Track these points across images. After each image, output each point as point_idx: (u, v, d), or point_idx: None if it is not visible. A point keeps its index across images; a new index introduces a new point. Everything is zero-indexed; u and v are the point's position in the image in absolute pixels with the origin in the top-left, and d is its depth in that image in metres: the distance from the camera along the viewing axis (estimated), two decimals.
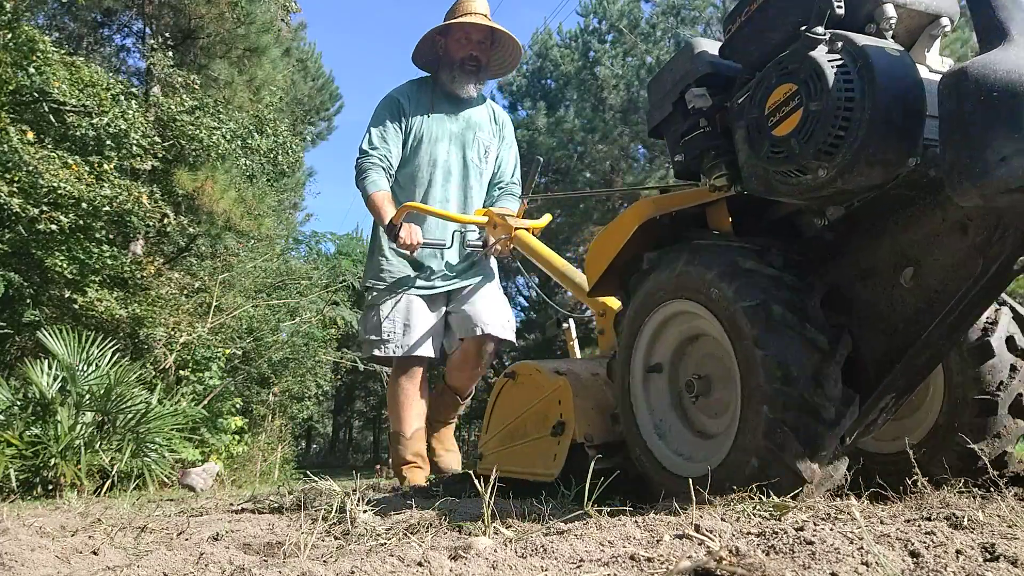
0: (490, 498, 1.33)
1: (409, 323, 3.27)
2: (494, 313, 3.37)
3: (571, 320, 3.17)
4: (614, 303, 2.47)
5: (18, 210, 7.48)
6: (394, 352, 3.25)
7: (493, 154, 3.57)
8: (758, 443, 1.53)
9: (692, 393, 1.87)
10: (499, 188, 3.61)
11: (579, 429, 2.04)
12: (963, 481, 1.64)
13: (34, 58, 7.72)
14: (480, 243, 3.36)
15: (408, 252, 3.19)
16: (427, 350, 3.30)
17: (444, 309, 3.43)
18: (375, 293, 3.35)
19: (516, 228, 3.02)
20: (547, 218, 3.32)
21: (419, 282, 3.36)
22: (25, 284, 8.47)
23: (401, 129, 3.39)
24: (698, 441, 1.87)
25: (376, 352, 3.28)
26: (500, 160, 3.62)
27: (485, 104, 3.61)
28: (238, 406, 9.77)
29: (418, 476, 3.25)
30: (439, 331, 3.39)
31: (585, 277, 2.63)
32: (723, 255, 1.72)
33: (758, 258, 1.69)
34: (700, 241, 1.86)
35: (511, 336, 3.38)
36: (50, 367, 5.62)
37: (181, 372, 8.63)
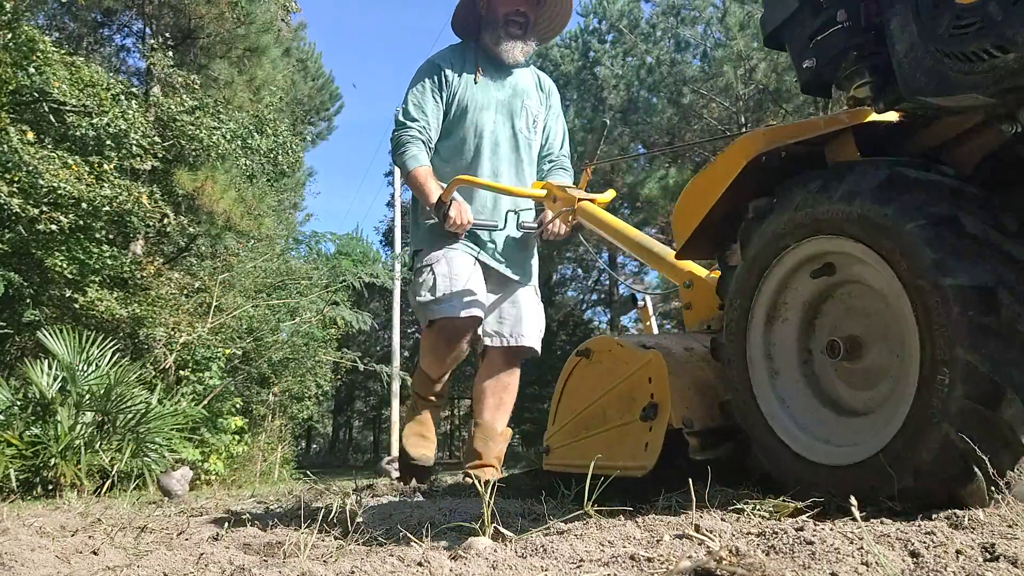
0: (490, 498, 1.34)
1: (464, 279, 2.95)
2: (533, 321, 3.16)
3: (646, 297, 2.91)
4: (700, 271, 2.19)
5: (18, 210, 7.48)
6: (451, 312, 2.90)
7: (541, 124, 3.28)
8: (952, 414, 1.18)
9: (836, 358, 1.51)
10: (549, 161, 3.33)
11: (676, 412, 1.71)
12: None
13: (34, 58, 7.72)
14: (536, 225, 3.08)
15: (458, 233, 2.92)
16: (480, 311, 2.98)
17: (489, 285, 3.14)
18: (428, 254, 3.03)
19: (580, 199, 2.74)
20: (611, 193, 2.98)
21: (473, 246, 3.07)
22: (25, 284, 8.47)
23: (442, 98, 3.09)
24: (841, 421, 1.54)
25: (432, 316, 2.95)
26: (548, 130, 3.32)
27: (530, 70, 3.32)
28: (238, 406, 9.77)
29: (428, 427, 3.19)
30: (485, 303, 3.06)
31: (664, 248, 2.39)
32: (878, 170, 1.38)
33: (928, 169, 1.36)
34: (841, 161, 1.54)
35: (539, 346, 3.19)
36: (50, 367, 5.62)
37: (181, 372, 8.63)
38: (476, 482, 1.59)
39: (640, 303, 2.89)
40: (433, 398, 3.23)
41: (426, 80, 3.10)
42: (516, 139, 3.17)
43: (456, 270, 2.95)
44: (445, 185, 2.92)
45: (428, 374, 3.17)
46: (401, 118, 3.07)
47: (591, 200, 2.76)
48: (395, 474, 3.71)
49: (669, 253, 2.31)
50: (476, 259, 3.05)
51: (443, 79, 3.10)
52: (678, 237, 1.93)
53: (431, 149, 3.10)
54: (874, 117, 1.55)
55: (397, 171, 20.49)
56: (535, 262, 3.31)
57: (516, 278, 3.16)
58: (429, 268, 2.96)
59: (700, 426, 1.70)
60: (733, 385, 1.69)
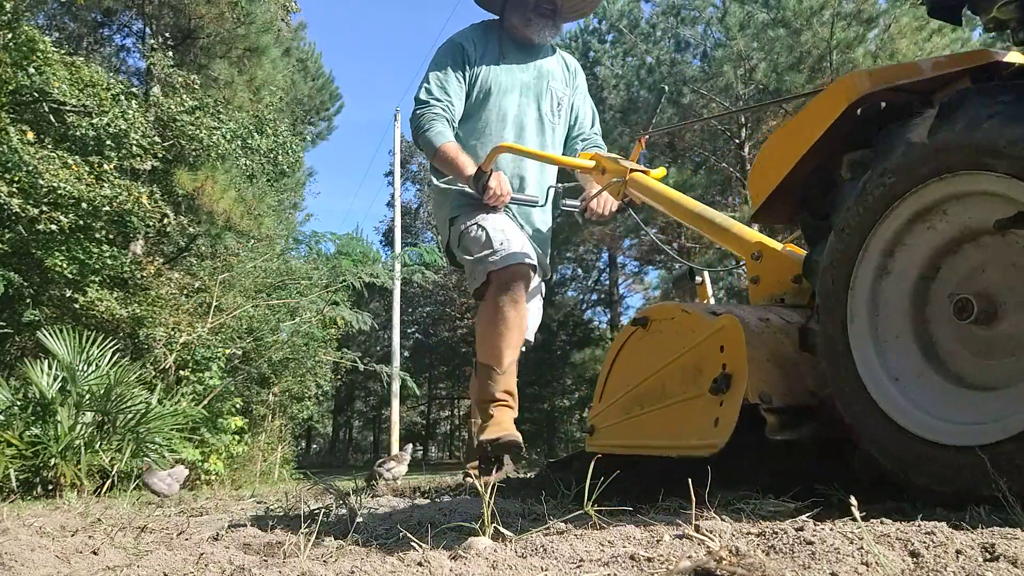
0: (490, 498, 1.34)
1: (514, 231, 2.79)
2: (537, 316, 3.06)
3: (705, 273, 2.62)
4: (771, 242, 2.04)
5: (18, 210, 7.49)
6: (513, 260, 2.69)
7: (566, 106, 3.15)
8: None
9: (967, 319, 1.30)
10: (582, 140, 3.19)
11: (752, 385, 1.50)
12: None
13: (34, 58, 7.73)
14: (578, 203, 2.90)
15: (498, 206, 2.73)
16: (533, 258, 2.78)
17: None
18: (466, 215, 2.84)
19: (632, 170, 2.55)
20: (662, 171, 2.78)
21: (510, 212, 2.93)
22: (25, 284, 8.47)
23: (464, 79, 2.94)
24: (967, 396, 1.34)
25: (493, 267, 2.70)
26: (577, 111, 3.20)
27: (555, 51, 3.19)
28: (238, 406, 9.77)
29: (506, 416, 2.79)
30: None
31: (727, 219, 2.26)
32: None
33: None
34: (986, 84, 1.33)
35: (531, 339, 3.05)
36: (50, 367, 5.62)
37: (181, 372, 8.63)
38: (476, 482, 1.57)
39: (698, 280, 2.57)
40: (505, 396, 2.80)
41: (448, 59, 2.94)
42: (542, 122, 3.04)
43: (503, 223, 2.79)
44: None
45: (492, 359, 2.78)
46: (423, 97, 2.89)
47: (643, 171, 2.56)
48: (388, 476, 3.60)
49: (733, 223, 2.16)
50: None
51: (466, 59, 2.96)
52: (754, 198, 1.77)
53: (454, 130, 2.92)
54: (1005, 57, 1.38)
55: (397, 171, 20.47)
56: (549, 255, 3.19)
57: (540, 282, 3.06)
58: (476, 224, 2.77)
59: (779, 403, 1.49)
60: (832, 371, 1.47)
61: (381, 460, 3.84)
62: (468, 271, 2.87)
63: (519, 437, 2.69)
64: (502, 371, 2.77)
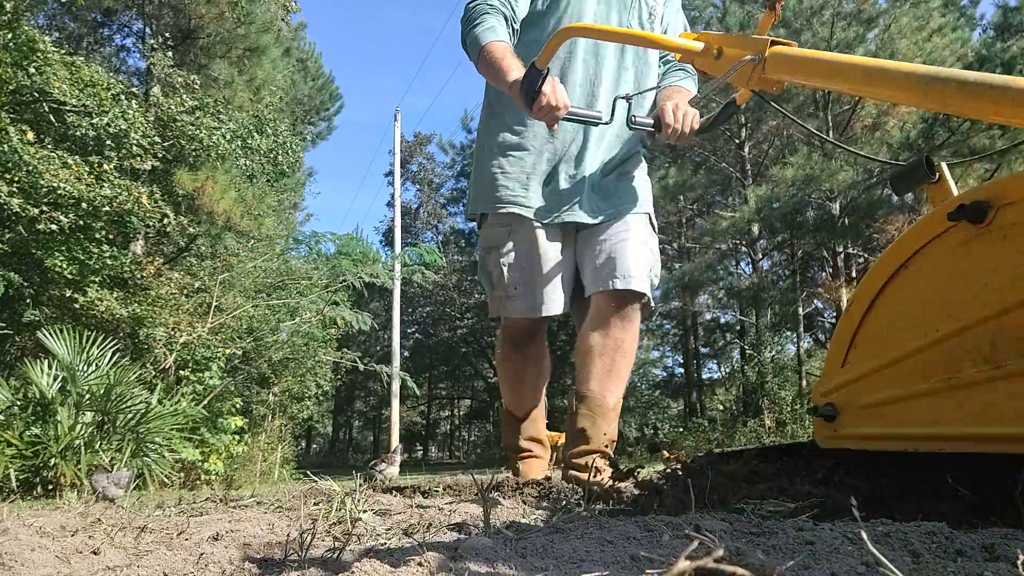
0: (490, 498, 1.34)
1: (537, 269, 2.40)
2: (642, 257, 2.39)
3: (943, 165, 1.47)
4: None
5: (18, 210, 7.49)
6: (524, 312, 2.42)
7: (659, 19, 2.55)
8: None
9: None
10: (665, 63, 2.61)
11: None
12: None
13: (34, 58, 7.73)
14: (651, 122, 2.27)
15: (550, 122, 2.10)
16: (557, 306, 2.42)
17: (573, 245, 2.50)
18: (491, 229, 2.46)
19: (773, 43, 1.58)
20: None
21: (544, 206, 2.41)
22: (25, 284, 8.48)
23: None
24: None
25: (499, 311, 2.49)
26: (667, 25, 2.59)
27: None
28: (238, 406, 9.78)
29: (534, 468, 2.47)
30: (569, 279, 2.48)
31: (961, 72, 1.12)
32: None
33: None
34: None
35: (649, 291, 2.40)
36: (50, 367, 5.63)
37: (181, 372, 8.63)
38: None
39: (934, 179, 1.52)
40: (530, 446, 2.53)
41: None
42: None
43: (530, 259, 2.40)
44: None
45: (511, 405, 2.57)
46: None
47: (787, 43, 1.64)
48: (380, 477, 3.53)
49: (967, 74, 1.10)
50: (551, 228, 2.42)
51: None
52: None
53: (514, 34, 2.37)
54: None
55: (397, 171, 20.42)
56: (645, 184, 2.55)
57: (615, 208, 2.44)
58: (495, 252, 2.43)
59: None
60: None
61: (373, 462, 3.84)
62: (486, 298, 2.61)
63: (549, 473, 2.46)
64: (522, 417, 2.54)
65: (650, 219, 2.51)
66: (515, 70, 2.12)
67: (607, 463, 2.00)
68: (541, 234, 2.40)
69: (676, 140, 2.26)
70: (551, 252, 2.43)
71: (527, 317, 2.42)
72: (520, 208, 2.40)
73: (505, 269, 2.41)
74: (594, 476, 1.95)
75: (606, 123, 2.21)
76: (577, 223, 2.44)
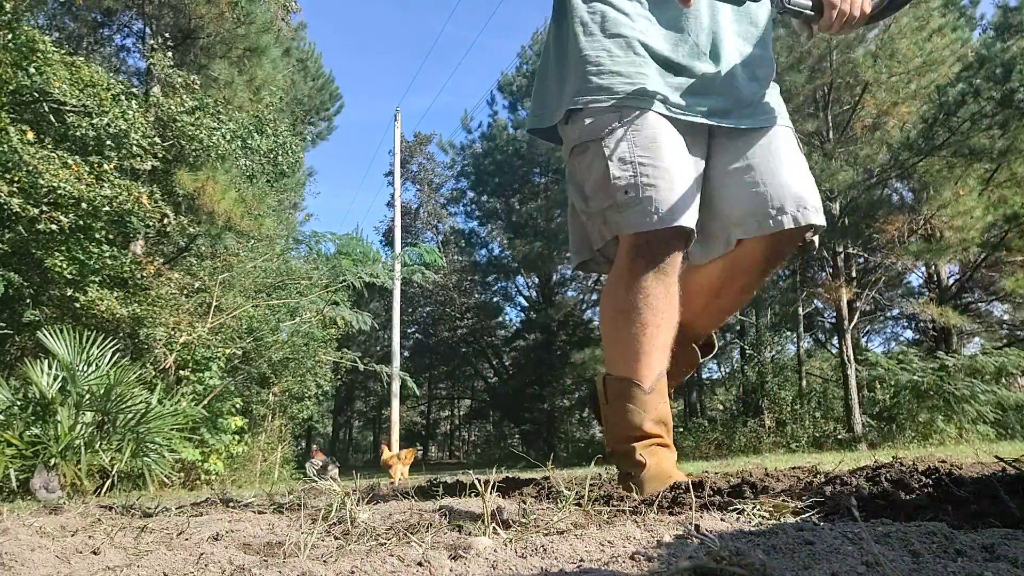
0: (490, 498, 1.34)
1: (664, 162, 1.73)
2: (804, 178, 1.82)
3: None
4: None
5: (18, 210, 7.49)
6: (644, 220, 1.70)
7: None
8: None
9: None
10: None
11: None
12: None
13: (34, 58, 7.74)
14: (810, 6, 1.71)
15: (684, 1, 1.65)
16: (691, 216, 1.74)
17: (702, 159, 1.86)
18: (592, 119, 1.80)
19: None
20: None
21: (669, 97, 1.80)
22: (25, 284, 8.48)
23: None
24: None
25: (619, 229, 1.75)
26: None
27: None
28: (238, 406, 9.78)
29: (667, 461, 1.73)
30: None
31: None
32: None
33: None
34: None
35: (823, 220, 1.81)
36: (50, 367, 5.63)
37: (181, 372, 8.64)
38: (476, 481, 1.40)
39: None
40: (658, 430, 1.76)
41: None
42: None
43: (651, 140, 1.74)
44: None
45: (630, 370, 1.76)
46: None
47: None
48: (326, 475, 3.40)
49: None
50: (679, 125, 1.81)
51: None
52: None
53: None
54: None
55: (397, 171, 20.36)
56: (777, 92, 1.98)
57: (759, 116, 1.88)
58: (595, 147, 1.79)
59: None
60: None
61: (320, 465, 3.81)
62: (585, 219, 1.88)
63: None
64: (649, 387, 1.76)
65: (792, 130, 1.94)
66: None
67: None
68: (667, 124, 1.79)
69: (840, 29, 1.73)
70: (682, 148, 1.79)
71: (654, 229, 1.70)
72: (637, 89, 1.78)
73: (614, 164, 1.75)
74: None
75: (738, 2, 1.78)
76: (711, 126, 1.84)
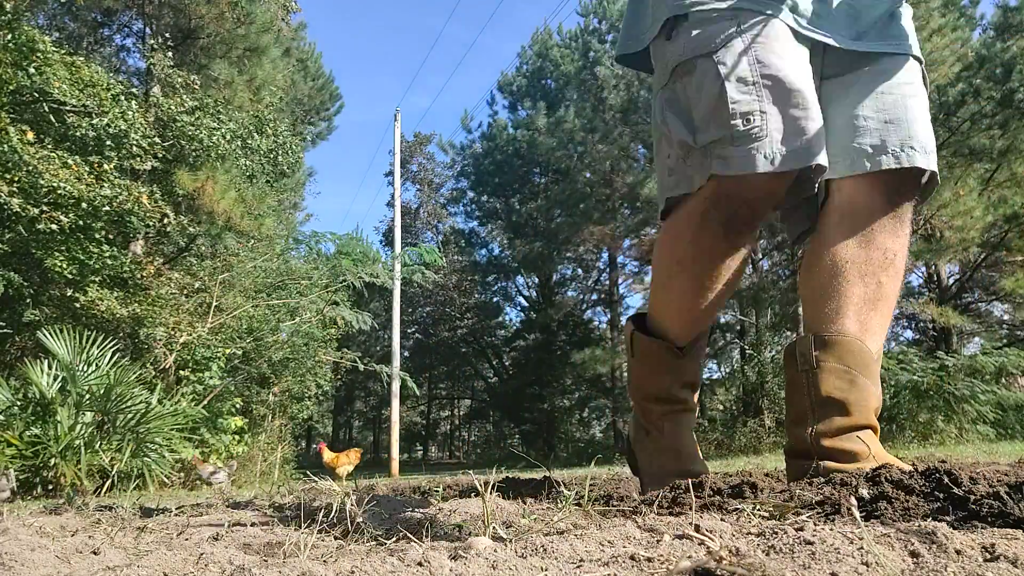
0: (490, 498, 1.34)
1: (795, 84, 1.40)
2: (925, 120, 1.54)
3: None
4: None
5: (18, 210, 7.50)
6: (757, 160, 1.37)
7: None
8: None
9: None
10: None
11: None
12: None
13: (34, 58, 7.74)
14: None
15: None
16: (826, 155, 1.43)
17: (817, 82, 1.54)
18: (699, 28, 1.46)
19: None
20: None
21: (790, 5, 1.48)
22: (25, 284, 8.49)
23: None
24: None
25: (727, 169, 1.39)
26: None
27: None
28: (238, 406, 9.78)
29: (686, 426, 1.67)
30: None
31: None
32: None
33: None
34: None
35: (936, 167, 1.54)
36: (50, 367, 5.63)
37: (181, 372, 8.64)
38: (476, 481, 1.33)
39: None
40: (685, 396, 1.65)
41: None
42: None
43: (779, 57, 1.41)
44: None
45: (674, 326, 1.61)
46: None
47: None
48: (214, 481, 3.39)
49: None
50: (803, 37, 1.49)
51: None
52: None
53: None
54: None
55: (397, 171, 20.41)
56: (908, 14, 1.61)
57: (902, 47, 1.55)
58: (706, 63, 1.43)
59: None
60: None
61: (210, 470, 3.81)
62: (668, 166, 1.53)
63: (704, 468, 1.61)
64: (683, 349, 1.60)
65: (922, 62, 1.61)
66: None
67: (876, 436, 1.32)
68: (791, 36, 1.46)
69: None
70: (807, 68, 1.45)
71: (779, 171, 1.36)
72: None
73: (732, 86, 1.38)
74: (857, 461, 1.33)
75: None
76: (828, 45, 1.51)
